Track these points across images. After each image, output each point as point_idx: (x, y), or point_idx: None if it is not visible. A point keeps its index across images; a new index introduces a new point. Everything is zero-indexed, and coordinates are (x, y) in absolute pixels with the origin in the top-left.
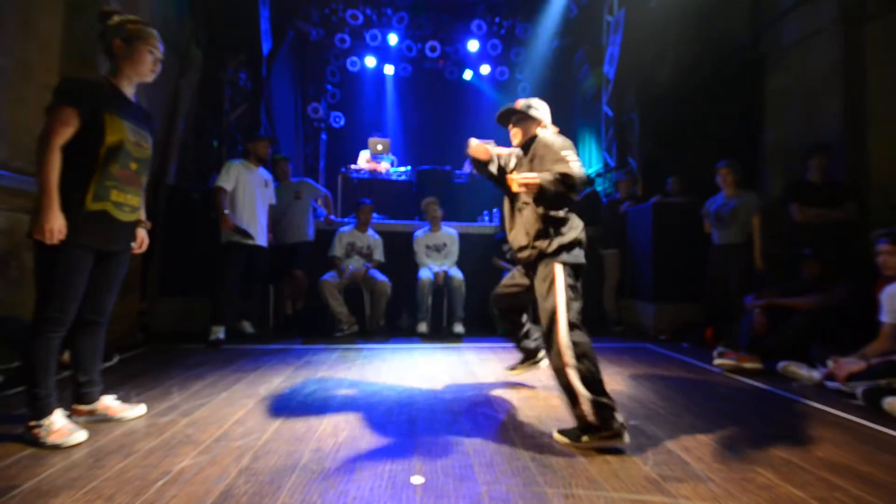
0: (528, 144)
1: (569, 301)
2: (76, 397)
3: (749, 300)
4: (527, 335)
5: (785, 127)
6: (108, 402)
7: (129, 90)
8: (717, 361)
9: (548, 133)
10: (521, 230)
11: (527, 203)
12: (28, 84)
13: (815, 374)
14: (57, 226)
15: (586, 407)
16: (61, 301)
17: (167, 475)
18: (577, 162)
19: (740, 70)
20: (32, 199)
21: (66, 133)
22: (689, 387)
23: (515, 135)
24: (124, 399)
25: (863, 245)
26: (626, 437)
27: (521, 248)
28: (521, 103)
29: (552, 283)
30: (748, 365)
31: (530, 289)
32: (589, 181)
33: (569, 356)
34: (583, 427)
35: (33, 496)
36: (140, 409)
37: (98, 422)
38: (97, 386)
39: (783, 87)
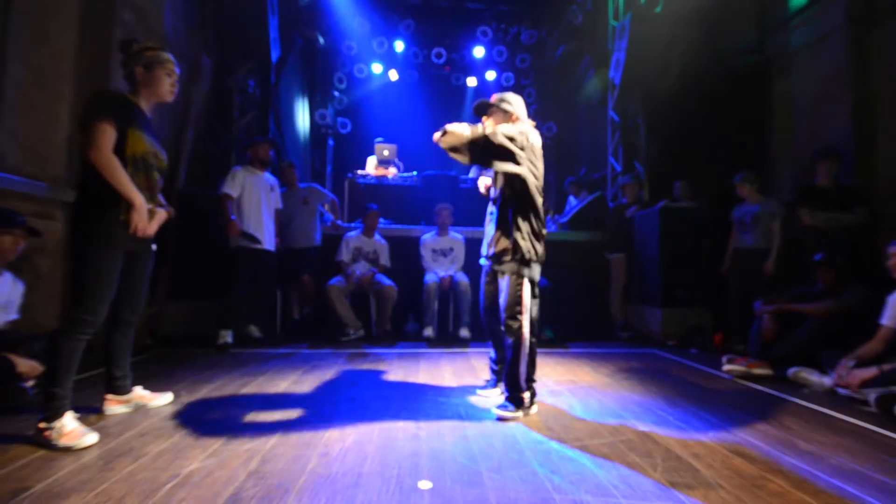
0: None
1: None
2: (112, 390)
3: (759, 306)
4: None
5: (792, 132)
6: (141, 392)
7: (147, 109)
8: (726, 367)
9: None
10: None
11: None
12: (41, 91)
13: (826, 381)
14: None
15: None
16: (96, 304)
17: (176, 478)
18: (499, 134)
19: (747, 74)
20: (41, 202)
21: (111, 141)
22: (698, 393)
23: (487, 127)
24: None
25: (873, 250)
26: None
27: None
28: (495, 97)
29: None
30: (758, 371)
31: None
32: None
33: None
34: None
35: (44, 498)
36: (167, 397)
37: (133, 410)
38: (129, 378)
39: (790, 92)
